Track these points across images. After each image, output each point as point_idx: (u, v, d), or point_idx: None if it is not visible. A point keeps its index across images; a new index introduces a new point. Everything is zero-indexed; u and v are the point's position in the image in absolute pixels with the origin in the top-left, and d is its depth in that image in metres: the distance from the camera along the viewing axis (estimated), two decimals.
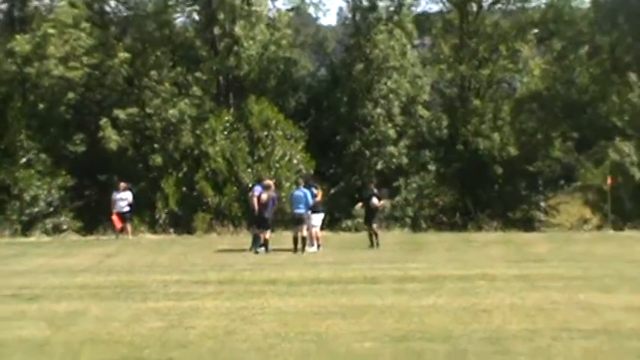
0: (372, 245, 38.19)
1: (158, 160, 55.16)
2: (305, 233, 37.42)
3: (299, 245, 37.07)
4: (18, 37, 55.39)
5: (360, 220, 52.46)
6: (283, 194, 47.10)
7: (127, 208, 45.21)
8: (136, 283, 26.84)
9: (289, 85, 60.93)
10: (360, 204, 41.14)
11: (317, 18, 67.11)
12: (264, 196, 37.63)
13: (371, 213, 39.68)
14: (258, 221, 37.91)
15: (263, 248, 37.21)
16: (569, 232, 53.46)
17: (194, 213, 53.40)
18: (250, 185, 45.40)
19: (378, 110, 57.40)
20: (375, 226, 39.31)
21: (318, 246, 37.68)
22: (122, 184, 46.09)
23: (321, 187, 41.91)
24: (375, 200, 39.42)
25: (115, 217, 45.28)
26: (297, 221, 37.53)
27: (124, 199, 45.16)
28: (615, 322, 18.70)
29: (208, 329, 18.56)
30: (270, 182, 39.52)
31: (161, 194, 53.92)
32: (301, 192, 38.12)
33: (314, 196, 37.97)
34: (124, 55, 56.59)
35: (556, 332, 17.66)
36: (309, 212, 37.60)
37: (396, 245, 40.35)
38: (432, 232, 51.52)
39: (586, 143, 61.95)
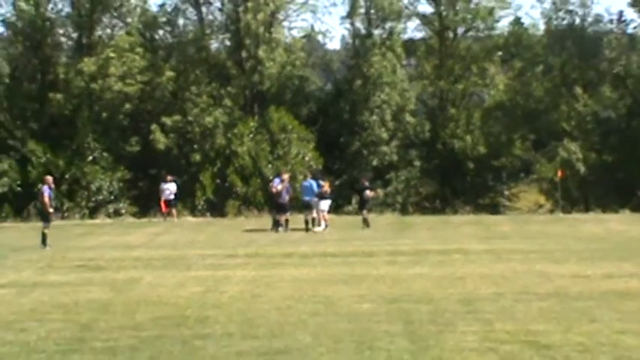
0: (365, 227, 38.14)
1: (197, 157, 55.13)
2: (314, 215, 37.48)
3: (309, 226, 37.15)
4: (85, 59, 55.41)
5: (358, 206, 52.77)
6: (297, 185, 47.12)
7: (172, 196, 45.19)
8: (180, 257, 26.86)
9: (302, 97, 60.82)
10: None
11: (324, 43, 66.91)
12: (280, 187, 37.75)
13: (363, 202, 39.75)
14: (277, 207, 38.05)
15: (281, 228, 37.22)
16: (528, 215, 53.34)
17: (226, 200, 53.43)
18: (271, 177, 45.36)
19: (374, 117, 57.29)
20: (365, 212, 39.29)
21: (326, 226, 37.67)
22: (168, 177, 46.08)
23: (328, 180, 41.94)
24: (367, 192, 39.53)
25: (162, 204, 45.30)
26: (305, 207, 37.67)
27: (169, 189, 45.15)
28: (565, 287, 18.68)
29: (237, 293, 18.57)
30: (286, 176, 39.60)
31: (200, 185, 53.92)
32: (308, 183, 38.30)
33: (320, 186, 38.03)
34: (169, 73, 56.61)
35: (517, 295, 17.64)
36: (318, 199, 37.66)
37: (388, 226, 40.30)
38: (417, 215, 51.41)
39: (541, 143, 61.85)
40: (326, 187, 38.64)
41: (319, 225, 37.66)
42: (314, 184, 38.09)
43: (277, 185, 37.83)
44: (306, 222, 37.21)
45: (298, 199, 41.34)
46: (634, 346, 12.97)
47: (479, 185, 61.14)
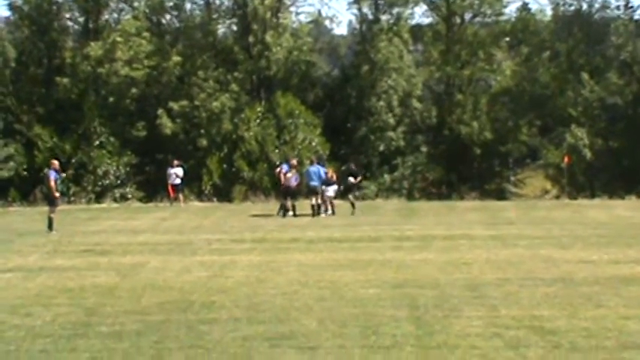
0: (353, 210, 37.87)
1: (204, 142, 55.12)
2: (320, 201, 37.44)
3: (316, 211, 37.09)
4: (92, 44, 55.41)
5: (366, 191, 52.79)
6: (304, 170, 47.20)
7: (178, 181, 45.18)
8: (186, 241, 26.89)
9: (309, 83, 60.76)
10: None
11: (331, 29, 67.01)
12: (290, 174, 37.79)
13: (348, 188, 39.60)
14: (284, 192, 38.06)
15: (291, 212, 37.24)
16: (534, 201, 53.26)
17: (233, 185, 53.50)
18: (278, 163, 45.37)
19: (381, 103, 57.21)
20: (351, 197, 39.07)
21: (333, 212, 37.67)
22: (175, 162, 46.06)
23: (330, 167, 41.96)
24: (350, 179, 39.35)
25: (170, 188, 45.34)
26: (312, 192, 37.60)
27: (176, 173, 45.17)
28: (570, 273, 18.68)
29: (243, 278, 18.60)
30: (294, 162, 39.69)
31: (206, 170, 53.96)
32: (315, 168, 38.20)
33: (325, 173, 38.06)
34: (176, 58, 56.54)
35: (522, 280, 17.65)
36: (325, 185, 37.66)
37: (394, 211, 40.30)
38: (423, 201, 51.39)
39: (547, 129, 61.72)
40: (330, 173, 38.65)
41: (326, 211, 37.65)
42: (321, 169, 38.07)
43: (286, 172, 37.87)
44: (312, 207, 37.18)
45: (304, 185, 41.35)
46: (638, 332, 12.99)
47: (485, 171, 61.11)
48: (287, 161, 40.10)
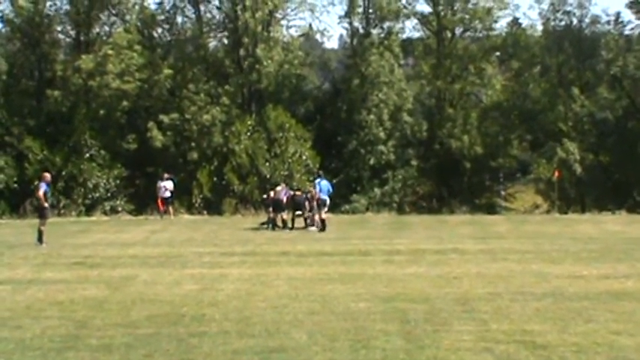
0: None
1: (194, 155, 55.10)
2: (324, 215, 37.41)
3: (323, 225, 36.88)
4: (83, 56, 55.36)
5: (357, 205, 52.82)
6: (294, 183, 47.38)
7: (168, 194, 45.19)
8: (177, 254, 26.85)
9: (300, 96, 60.83)
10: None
11: (322, 42, 66.88)
12: (279, 188, 38.20)
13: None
14: (274, 205, 38.14)
15: (278, 227, 37.34)
16: (524, 215, 53.39)
17: (223, 198, 53.46)
18: (268, 176, 45.42)
19: (371, 116, 57.22)
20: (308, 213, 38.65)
21: (317, 227, 37.62)
22: (165, 175, 46.12)
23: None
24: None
25: (159, 202, 45.31)
26: (321, 205, 37.55)
27: (166, 186, 45.14)
28: (560, 287, 18.70)
29: (234, 291, 18.57)
30: (283, 185, 40.87)
31: (197, 183, 53.93)
32: (326, 181, 38.39)
33: (333, 186, 38.60)
34: (167, 71, 56.55)
35: (513, 295, 17.65)
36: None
37: (385, 225, 40.32)
38: (414, 214, 51.43)
39: (538, 144, 61.82)
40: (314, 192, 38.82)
41: (312, 225, 37.70)
42: (328, 183, 38.37)
43: (276, 188, 38.80)
44: (322, 221, 37.07)
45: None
46: (629, 347, 12.99)
47: (475, 185, 61.14)
48: (276, 185, 40.86)
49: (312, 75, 63.41)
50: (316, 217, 37.89)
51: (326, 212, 38.15)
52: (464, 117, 60.23)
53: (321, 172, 42.06)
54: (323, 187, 37.83)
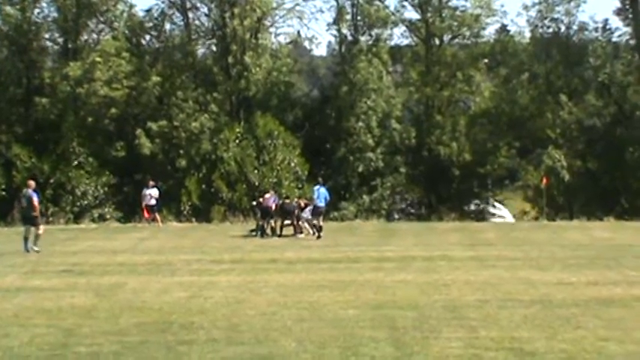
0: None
1: (183, 163, 55.11)
2: (321, 222, 37.41)
3: (321, 233, 36.80)
4: (71, 64, 55.37)
5: (345, 212, 52.81)
6: (283, 190, 47.41)
7: (153, 201, 45.04)
8: (165, 262, 26.80)
9: (288, 103, 60.87)
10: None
11: (311, 50, 67.05)
12: (267, 195, 38.20)
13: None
14: (262, 212, 38.14)
15: (267, 234, 37.38)
16: (512, 222, 53.41)
17: (211, 205, 53.41)
18: (257, 184, 45.36)
19: (360, 124, 57.34)
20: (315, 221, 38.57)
21: (313, 233, 37.58)
22: (150, 182, 45.99)
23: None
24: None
25: (144, 209, 45.21)
26: (318, 212, 37.49)
27: (151, 194, 45.03)
28: (549, 294, 18.71)
29: (222, 299, 18.54)
30: (271, 192, 40.53)
31: (185, 190, 53.88)
32: (324, 189, 38.34)
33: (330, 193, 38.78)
34: (156, 78, 56.60)
35: (501, 302, 17.66)
36: (303, 209, 37.99)
37: (374, 232, 40.29)
38: (402, 222, 51.42)
39: (526, 151, 61.94)
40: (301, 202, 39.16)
41: (301, 232, 37.73)
42: (326, 192, 38.35)
43: (265, 196, 38.83)
44: (319, 228, 37.04)
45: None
46: (617, 354, 13.00)
47: (464, 192, 61.18)
48: (266, 193, 40.76)
49: (300, 82, 63.50)
50: (306, 224, 37.95)
51: (310, 219, 38.19)
52: (452, 124, 60.32)
53: (320, 179, 42.01)
54: (321, 194, 37.85)
